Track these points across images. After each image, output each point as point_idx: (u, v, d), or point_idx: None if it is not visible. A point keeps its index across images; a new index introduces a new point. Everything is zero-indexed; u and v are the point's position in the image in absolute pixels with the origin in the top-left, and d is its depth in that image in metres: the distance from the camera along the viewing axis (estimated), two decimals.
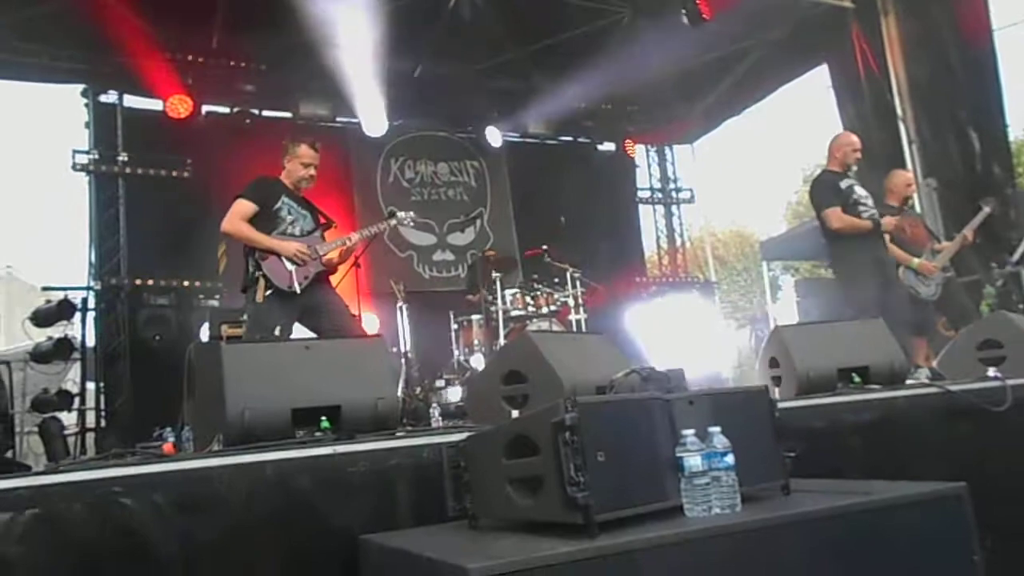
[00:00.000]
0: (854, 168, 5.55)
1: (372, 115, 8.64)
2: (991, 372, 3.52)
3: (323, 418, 2.67)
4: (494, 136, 9.47)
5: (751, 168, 45.89)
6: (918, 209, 7.12)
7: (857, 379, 3.52)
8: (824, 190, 5.42)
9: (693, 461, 1.75)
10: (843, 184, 5.35)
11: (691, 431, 1.79)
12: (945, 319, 5.73)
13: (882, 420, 3.01)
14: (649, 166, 11.30)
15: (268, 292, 4.36)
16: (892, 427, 3.00)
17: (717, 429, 1.79)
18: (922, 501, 1.83)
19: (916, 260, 5.54)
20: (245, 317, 4.73)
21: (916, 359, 5.17)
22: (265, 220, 4.51)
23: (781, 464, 2.00)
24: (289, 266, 4.43)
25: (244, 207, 4.48)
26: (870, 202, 5.37)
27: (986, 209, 5.75)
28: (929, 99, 7.59)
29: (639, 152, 11.00)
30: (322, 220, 4.83)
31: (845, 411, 3.02)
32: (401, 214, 5.18)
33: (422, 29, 8.08)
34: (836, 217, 5.27)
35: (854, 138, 5.58)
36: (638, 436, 1.81)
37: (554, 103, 9.61)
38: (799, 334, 3.72)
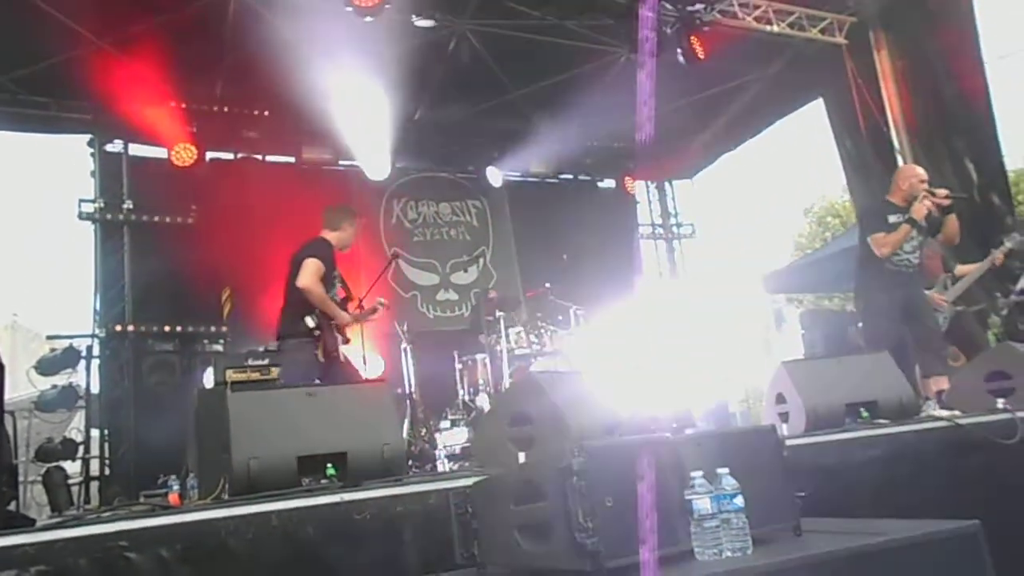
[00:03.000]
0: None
1: (374, 158, 8.74)
2: (1000, 404, 3.49)
3: (329, 465, 2.66)
4: (495, 176, 9.57)
5: (752, 201, 46.08)
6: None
7: (865, 414, 3.49)
8: (872, 218, 5.35)
9: (702, 504, 1.74)
10: (892, 218, 5.17)
11: (699, 473, 1.77)
12: (952, 350, 5.70)
13: (892, 455, 2.99)
14: (649, 202, 11.38)
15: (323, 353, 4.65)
16: (902, 462, 2.97)
17: (726, 470, 1.78)
18: (936, 540, 1.80)
19: (925, 292, 5.49)
20: (280, 360, 4.71)
21: (925, 391, 5.14)
22: (324, 284, 4.77)
23: (791, 504, 1.98)
24: (337, 335, 4.77)
25: (320, 268, 4.70)
26: (909, 247, 5.17)
27: (1008, 244, 5.62)
28: (925, 132, 7.66)
29: (639, 188, 11.08)
30: (343, 293, 5.09)
31: (854, 447, 3.00)
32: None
33: (422, 73, 8.20)
34: (879, 243, 5.12)
35: (919, 169, 5.38)
36: (646, 479, 1.79)
37: (554, 142, 9.71)
38: (805, 369, 3.72)
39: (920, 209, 5.07)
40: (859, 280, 5.45)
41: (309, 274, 4.63)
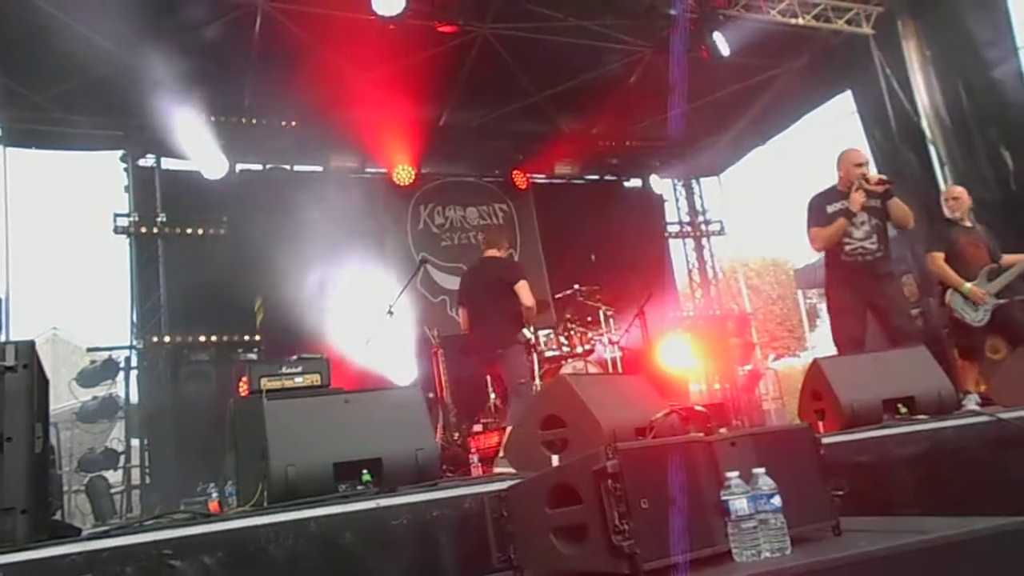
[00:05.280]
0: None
1: (400, 164, 8.81)
2: None
3: (365, 471, 2.68)
4: (521, 179, 9.58)
5: (780, 196, 45.49)
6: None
7: (904, 410, 3.44)
8: (812, 209, 5.10)
9: (739, 504, 1.72)
10: (831, 208, 4.96)
11: (735, 473, 1.76)
12: (992, 342, 5.56)
13: (932, 452, 2.94)
14: (677, 200, 11.28)
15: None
16: (943, 459, 2.92)
17: (762, 470, 1.76)
18: (980, 539, 1.76)
19: (967, 285, 5.25)
20: (512, 362, 5.43)
21: (965, 385, 5.02)
22: None
23: (830, 503, 1.96)
24: None
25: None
26: (860, 233, 4.91)
27: None
28: (957, 121, 7.50)
29: (666, 186, 11.01)
30: None
31: (893, 444, 2.95)
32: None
33: (445, 78, 8.24)
34: (812, 238, 5.00)
35: (857, 153, 5.07)
36: (682, 480, 1.79)
37: (579, 143, 9.71)
38: (841, 365, 3.67)
39: (855, 200, 4.79)
40: (825, 277, 5.21)
41: (531, 293, 5.36)
